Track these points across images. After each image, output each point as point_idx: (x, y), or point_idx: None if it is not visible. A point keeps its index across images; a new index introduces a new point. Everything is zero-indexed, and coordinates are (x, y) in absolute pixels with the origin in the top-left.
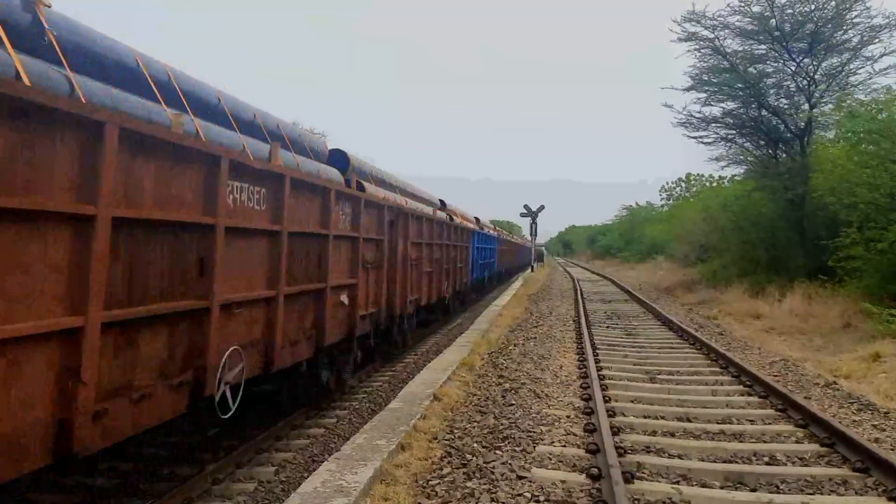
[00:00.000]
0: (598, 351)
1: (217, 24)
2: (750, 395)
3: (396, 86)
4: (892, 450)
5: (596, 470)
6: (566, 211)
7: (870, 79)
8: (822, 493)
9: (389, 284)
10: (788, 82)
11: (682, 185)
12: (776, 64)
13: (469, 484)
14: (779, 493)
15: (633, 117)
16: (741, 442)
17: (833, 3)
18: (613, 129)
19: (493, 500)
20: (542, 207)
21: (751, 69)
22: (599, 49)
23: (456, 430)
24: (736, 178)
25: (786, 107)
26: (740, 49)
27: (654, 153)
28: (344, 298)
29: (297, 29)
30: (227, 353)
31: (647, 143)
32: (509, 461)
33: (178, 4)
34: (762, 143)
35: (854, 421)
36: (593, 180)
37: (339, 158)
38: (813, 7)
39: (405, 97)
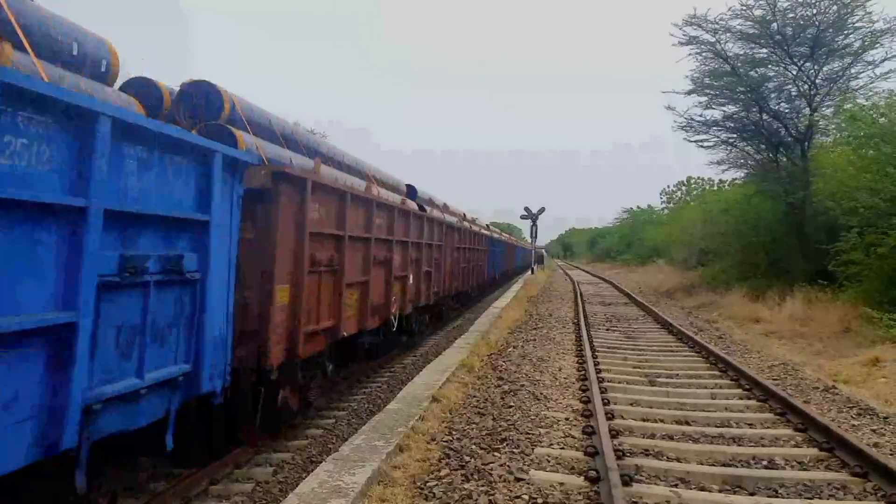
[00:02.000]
0: (597, 353)
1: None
2: (749, 398)
3: (404, 85)
4: (891, 454)
5: (594, 472)
6: (567, 210)
7: (871, 83)
8: (820, 498)
9: (443, 274)
10: (790, 86)
11: (683, 188)
12: (777, 68)
13: (467, 485)
14: (777, 496)
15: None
16: (740, 446)
17: (835, 7)
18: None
19: (490, 501)
20: (542, 209)
21: (752, 73)
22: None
23: (454, 432)
24: (736, 181)
25: (787, 111)
26: (741, 53)
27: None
28: (425, 279)
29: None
30: (393, 300)
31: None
32: (507, 463)
33: None
34: (763, 147)
35: (853, 425)
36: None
37: (412, 191)
38: (814, 11)
39: (410, 95)
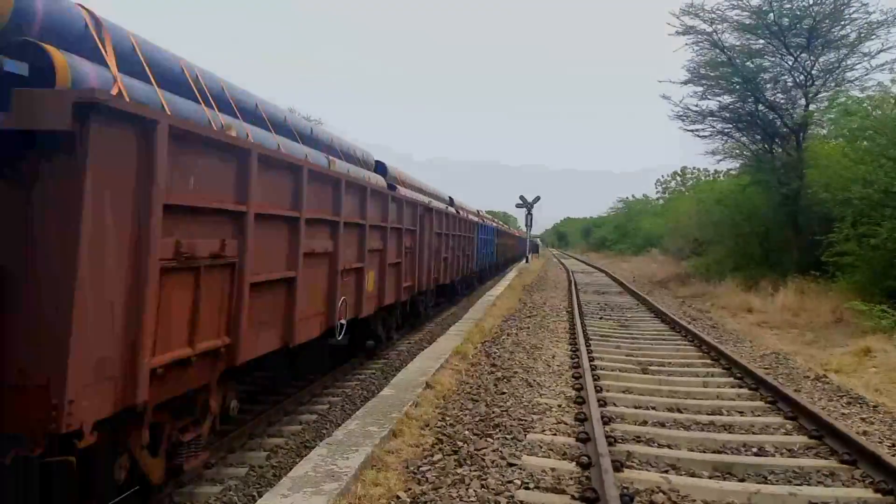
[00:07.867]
0: (590, 342)
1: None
2: (741, 387)
3: (405, 75)
4: (879, 443)
5: (586, 458)
6: (565, 200)
7: (866, 75)
8: (809, 485)
9: (464, 259)
10: (785, 77)
11: (678, 178)
12: (773, 59)
13: (460, 470)
14: (767, 483)
15: (635, 106)
16: (731, 433)
17: None
18: (616, 118)
19: (483, 486)
20: (537, 198)
21: (748, 63)
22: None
23: (448, 418)
24: (731, 172)
25: (782, 102)
26: (738, 43)
27: (655, 143)
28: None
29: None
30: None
31: (649, 132)
32: (500, 448)
33: None
34: (758, 137)
35: (843, 414)
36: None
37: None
38: (811, 2)
39: (415, 87)
